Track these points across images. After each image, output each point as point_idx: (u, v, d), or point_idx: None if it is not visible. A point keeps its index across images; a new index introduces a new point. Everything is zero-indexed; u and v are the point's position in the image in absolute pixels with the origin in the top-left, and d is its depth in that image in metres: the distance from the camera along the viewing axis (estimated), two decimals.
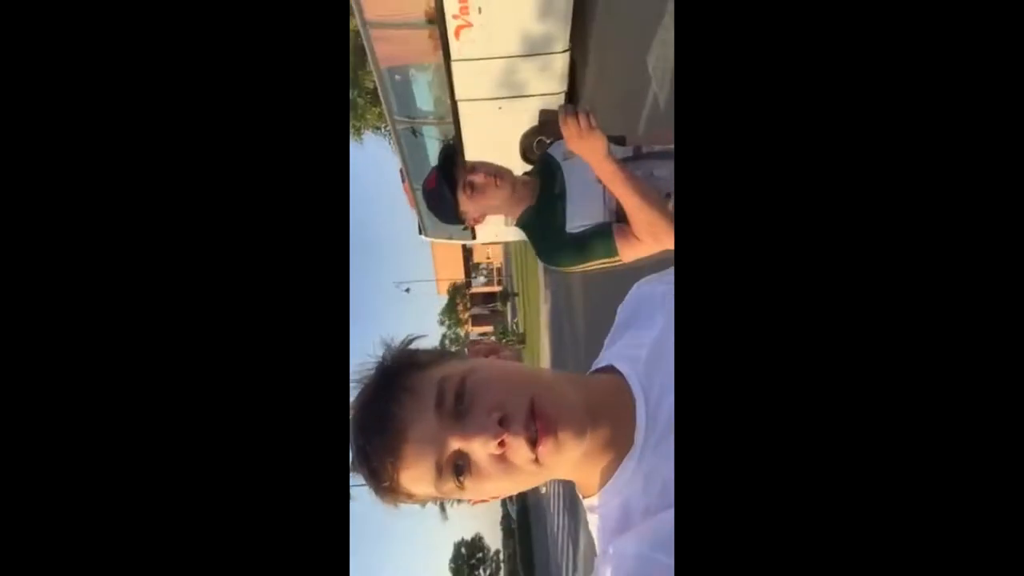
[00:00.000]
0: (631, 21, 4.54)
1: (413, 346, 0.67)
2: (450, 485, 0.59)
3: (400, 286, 35.01)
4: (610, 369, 0.69)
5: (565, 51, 5.82)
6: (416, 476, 0.59)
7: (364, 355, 0.65)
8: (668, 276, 0.78)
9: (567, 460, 0.60)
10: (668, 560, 0.52)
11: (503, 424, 0.57)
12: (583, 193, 1.46)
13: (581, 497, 0.67)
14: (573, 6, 5.58)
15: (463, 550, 32.50)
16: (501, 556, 32.49)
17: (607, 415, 0.62)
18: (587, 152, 1.32)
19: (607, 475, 0.63)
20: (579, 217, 1.45)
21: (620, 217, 1.41)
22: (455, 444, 0.58)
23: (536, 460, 0.58)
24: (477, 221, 1.57)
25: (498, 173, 1.52)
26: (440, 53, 5.75)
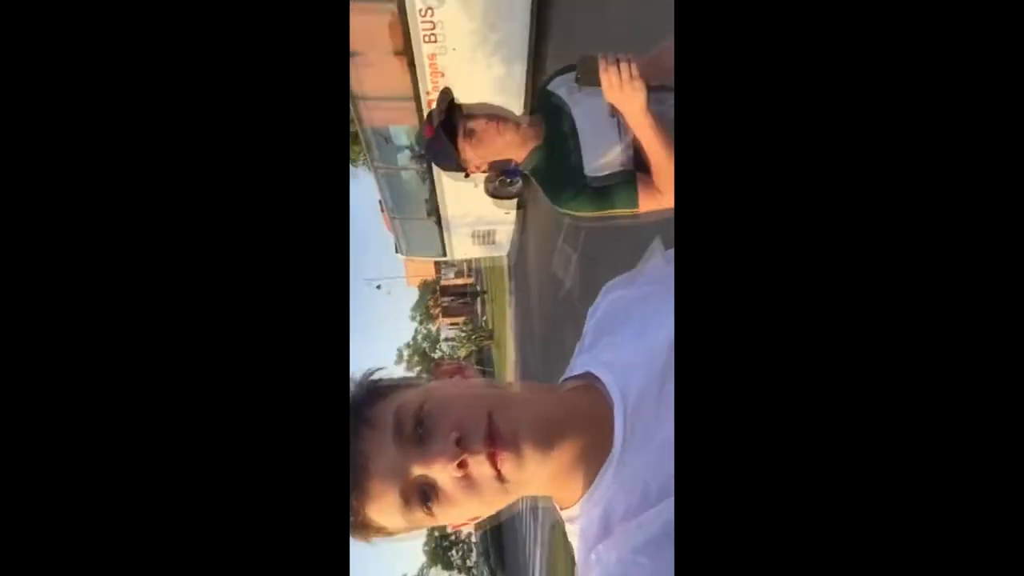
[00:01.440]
0: None
1: (376, 377, 0.66)
2: (419, 514, 0.58)
3: (371, 283, 36.06)
4: (586, 376, 0.68)
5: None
6: (382, 508, 0.58)
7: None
8: (639, 280, 0.78)
9: (536, 475, 0.59)
10: (651, 563, 0.52)
11: (460, 444, 0.56)
12: (597, 130, 1.40)
13: (559, 509, 0.65)
14: (528, 84, 6.99)
15: (436, 532, 33.66)
16: (473, 538, 33.77)
17: (580, 424, 0.61)
18: (626, 103, 1.27)
19: (586, 485, 0.61)
20: (597, 156, 1.40)
21: (638, 161, 1.38)
22: (417, 470, 0.57)
23: (499, 477, 0.57)
24: (479, 168, 1.52)
25: (499, 116, 1.46)
26: (415, 117, 7.13)
